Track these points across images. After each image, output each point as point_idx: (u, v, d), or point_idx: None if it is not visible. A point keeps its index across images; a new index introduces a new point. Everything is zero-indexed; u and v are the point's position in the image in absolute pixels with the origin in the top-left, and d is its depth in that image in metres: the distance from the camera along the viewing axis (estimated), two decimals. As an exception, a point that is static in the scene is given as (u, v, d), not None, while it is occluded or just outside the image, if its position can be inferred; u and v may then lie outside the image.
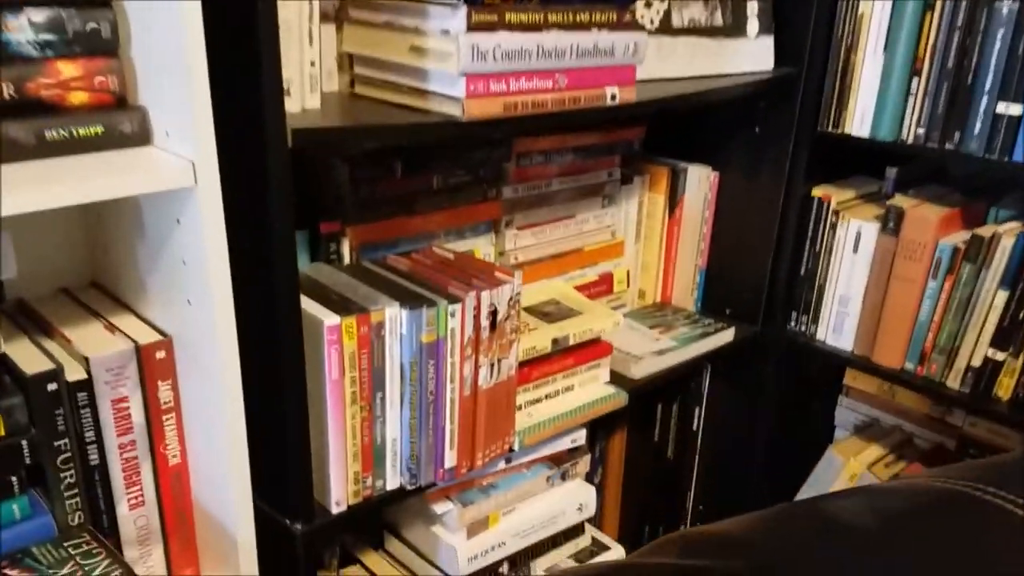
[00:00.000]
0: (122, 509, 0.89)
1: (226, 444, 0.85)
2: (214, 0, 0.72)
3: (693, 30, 1.22)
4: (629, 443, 1.49)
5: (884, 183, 1.43)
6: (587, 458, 1.23)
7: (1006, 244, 1.20)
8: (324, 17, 0.93)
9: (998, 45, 1.15)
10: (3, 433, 0.80)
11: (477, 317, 0.96)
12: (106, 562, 0.82)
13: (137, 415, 0.88)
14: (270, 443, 0.90)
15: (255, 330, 0.86)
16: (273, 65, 0.75)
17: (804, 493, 1.52)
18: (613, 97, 1.01)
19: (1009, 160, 1.17)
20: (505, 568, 1.15)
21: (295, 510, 0.91)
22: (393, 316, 0.92)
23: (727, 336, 1.39)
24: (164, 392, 0.89)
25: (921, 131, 1.24)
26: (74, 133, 0.75)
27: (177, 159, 0.76)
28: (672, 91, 1.12)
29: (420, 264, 1.05)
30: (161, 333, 0.89)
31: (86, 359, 0.84)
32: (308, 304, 0.90)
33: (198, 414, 0.88)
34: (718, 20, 1.25)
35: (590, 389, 1.19)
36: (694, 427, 1.51)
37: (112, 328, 0.90)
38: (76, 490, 0.86)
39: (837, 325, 1.39)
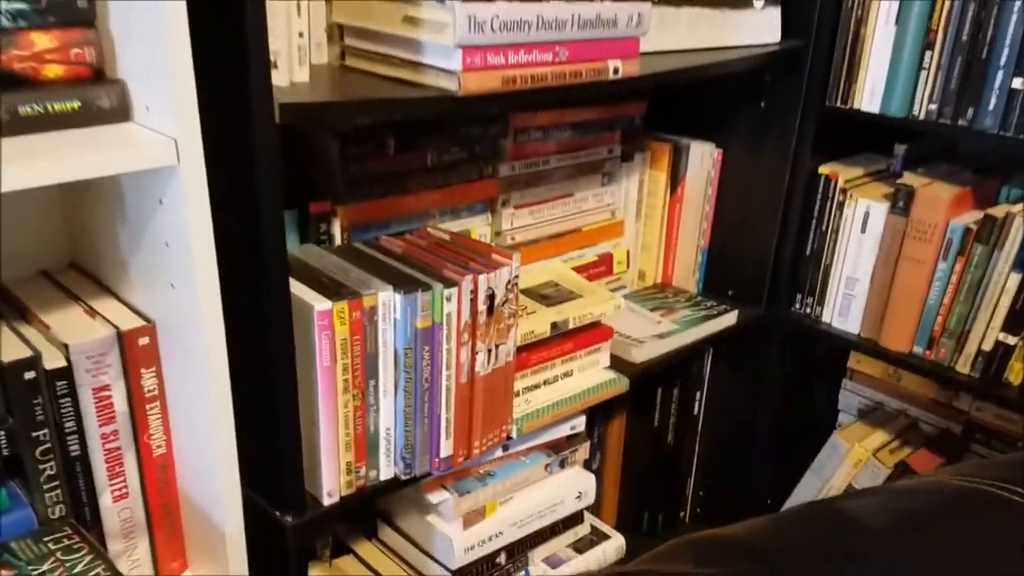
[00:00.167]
0: (105, 501, 0.86)
1: (213, 434, 0.82)
2: (195, -33, 0.68)
3: (697, 0, 1.18)
4: (628, 428, 1.46)
5: (892, 161, 1.40)
6: (586, 445, 1.20)
7: (1019, 224, 1.16)
8: (313, -15, 0.88)
9: (1014, 17, 1.11)
10: (-22, 424, 0.77)
11: (474, 301, 0.93)
12: (88, 558, 0.79)
13: (120, 404, 0.84)
14: (259, 433, 0.87)
15: (242, 315, 0.83)
16: (259, 36, 0.72)
17: (808, 480, 1.50)
18: (616, 71, 0.96)
19: (1025, 137, 1.13)
20: (503, 558, 1.13)
21: (286, 502, 0.88)
22: (387, 301, 0.88)
23: (730, 319, 1.36)
24: (148, 380, 0.85)
25: (933, 107, 1.20)
26: (49, 108, 0.71)
27: (158, 136, 0.73)
28: (674, 64, 1.08)
29: (414, 245, 1.01)
30: (144, 318, 0.85)
31: (65, 346, 0.80)
32: (298, 288, 0.87)
33: (184, 403, 0.85)
34: (723, -10, 1.21)
35: (590, 374, 1.16)
36: (695, 412, 1.48)
37: (93, 313, 0.86)
38: (57, 482, 0.83)
39: (843, 308, 1.36)
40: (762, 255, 1.39)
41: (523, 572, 1.16)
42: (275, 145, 0.75)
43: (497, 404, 1.00)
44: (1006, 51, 1.12)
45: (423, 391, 0.92)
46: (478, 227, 1.17)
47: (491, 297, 0.94)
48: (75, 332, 0.81)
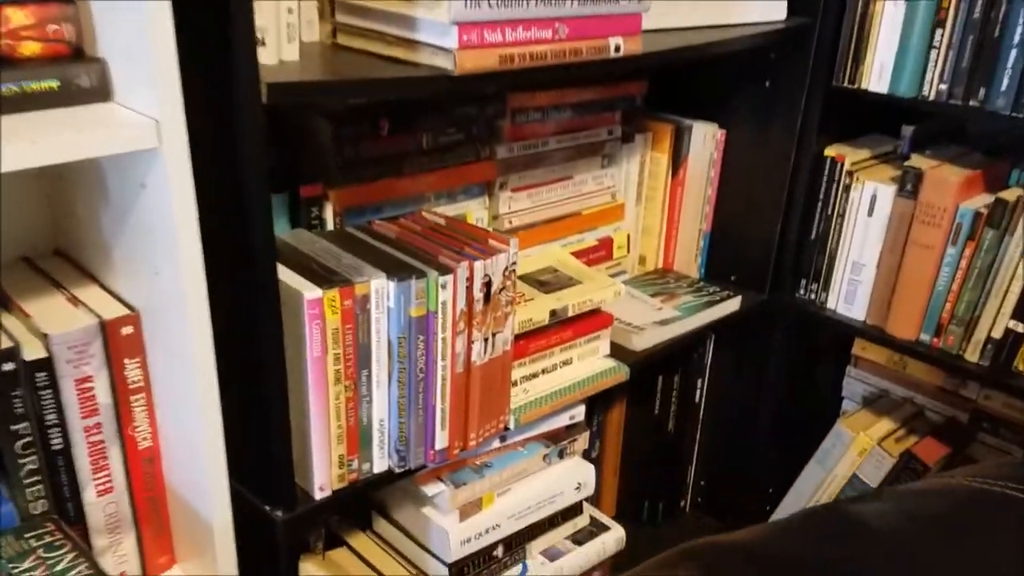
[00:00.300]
0: (89, 496, 0.84)
1: (199, 427, 0.79)
2: (177, -61, 0.64)
3: (700, -25, 1.15)
4: (628, 416, 1.43)
5: (900, 142, 1.36)
6: (586, 435, 1.17)
7: (1032, 208, 1.13)
8: (302, -41, 0.85)
9: (1029, -6, 1.07)
10: (-47, 418, 0.74)
11: (470, 289, 0.89)
12: (71, 555, 0.77)
13: (103, 396, 0.82)
14: (248, 425, 0.84)
15: (230, 304, 0.80)
16: (245, 12, 0.68)
17: (811, 469, 1.47)
18: (617, 48, 0.93)
19: (1038, 119, 1.10)
20: (500, 551, 1.10)
21: (275, 496, 0.86)
22: (380, 288, 0.85)
23: (733, 305, 1.33)
24: (132, 371, 0.82)
25: (944, 87, 1.17)
26: (25, 88, 0.68)
27: (139, 117, 0.70)
28: (677, 42, 1.05)
29: (409, 230, 0.98)
30: (128, 307, 0.82)
31: (46, 336, 0.77)
32: (287, 275, 0.83)
33: (170, 394, 0.82)
34: (728, -35, 1.17)
35: (589, 363, 1.13)
36: (696, 400, 1.46)
37: (75, 301, 0.83)
38: (39, 477, 0.80)
39: (849, 294, 1.33)
40: (766, 239, 1.36)
41: (521, 565, 1.14)
42: (262, 126, 0.72)
43: (494, 394, 0.97)
44: (1019, 29, 1.09)
45: (417, 382, 0.89)
46: (475, 211, 1.14)
47: (488, 284, 0.91)
48: (56, 321, 0.78)
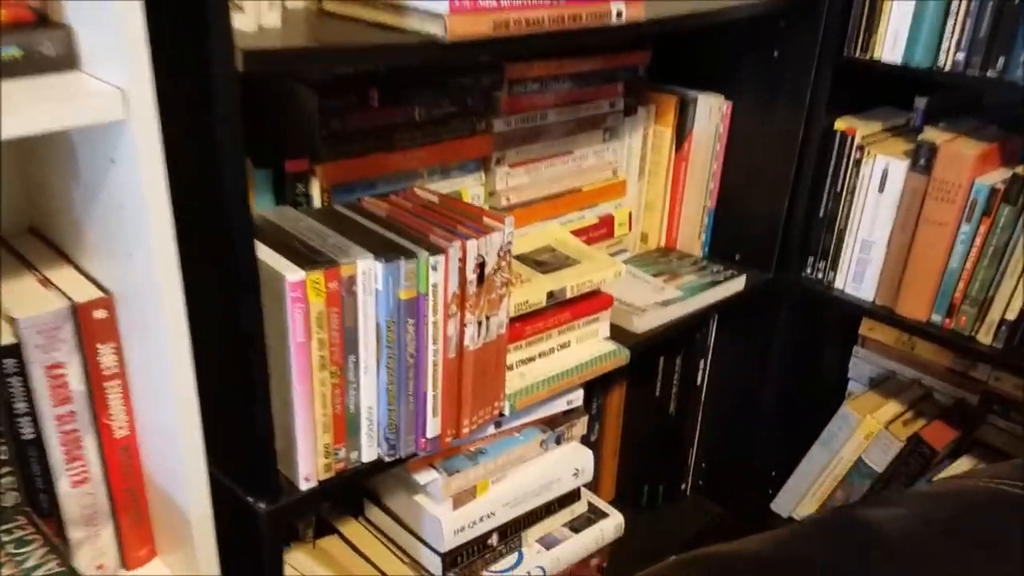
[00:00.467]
0: (63, 487, 0.80)
1: (175, 415, 0.75)
2: None
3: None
4: (628, 399, 1.39)
5: (912, 115, 1.31)
6: (584, 420, 1.13)
7: (1051, 185, 1.08)
8: (282, -83, 0.79)
9: (1053, -42, 1.02)
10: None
11: (463, 270, 0.85)
12: (42, 551, 0.74)
13: (76, 383, 0.78)
14: (229, 414, 0.80)
15: (207, 286, 0.75)
16: (217, -27, 0.63)
17: (816, 452, 1.44)
18: (619, 14, 0.88)
19: (1060, 91, 1.05)
20: (495, 539, 1.07)
21: (258, 487, 0.82)
22: (367, 270, 0.80)
23: (737, 284, 1.28)
24: (106, 356, 0.78)
25: (960, 57, 1.11)
26: (-15, 56, 0.64)
27: (105, 87, 0.65)
28: (682, 9, 1.00)
29: (399, 208, 0.93)
30: (102, 289, 0.78)
31: (14, 320, 0.73)
32: (269, 255, 0.79)
33: (146, 381, 0.78)
34: (736, -72, 1.11)
35: (588, 345, 1.09)
36: (698, 382, 1.42)
37: (47, 283, 0.79)
38: (10, 468, 0.77)
39: (858, 273, 1.28)
40: (772, 216, 1.31)
41: (516, 553, 1.11)
42: (237, 97, 0.67)
43: (488, 380, 0.93)
44: (1042, -4, 1.04)
45: (407, 367, 0.85)
46: (470, 187, 1.09)
47: (481, 265, 0.86)
48: (26, 304, 0.74)
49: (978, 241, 1.16)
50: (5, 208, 0.87)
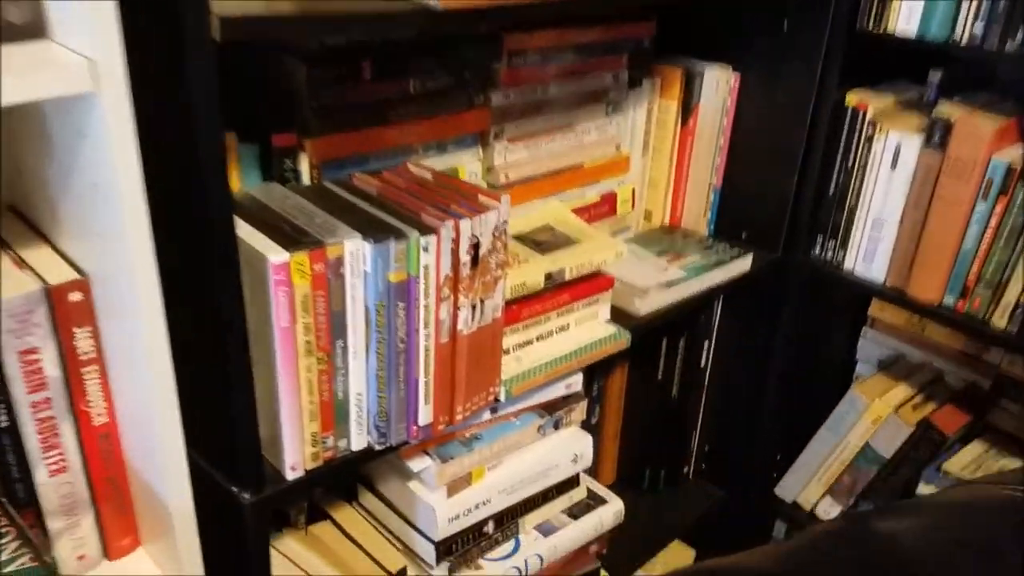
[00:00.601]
0: (40, 476, 0.77)
1: (153, 402, 0.72)
2: None
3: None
4: (630, 381, 1.36)
5: (926, 89, 1.26)
6: (583, 404, 1.09)
7: (1072, 163, 1.04)
8: None
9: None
10: None
11: (456, 251, 0.81)
12: (14, 544, 0.71)
13: (51, 368, 0.74)
14: (211, 400, 0.77)
15: (184, 267, 0.72)
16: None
17: (823, 435, 1.40)
18: (622, -17, 0.83)
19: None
20: (490, 527, 1.04)
21: (242, 477, 0.79)
22: (354, 251, 0.77)
23: (744, 264, 1.24)
24: (82, 341, 0.75)
25: (978, 29, 1.07)
26: (-52, 24, 0.60)
27: (73, 57, 0.61)
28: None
29: (391, 186, 0.89)
30: (78, 271, 0.74)
31: (-17, 302, 0.69)
32: (251, 235, 0.75)
33: (123, 367, 0.75)
34: None
35: (588, 328, 1.05)
36: (702, 364, 1.38)
37: (21, 264, 0.76)
38: (-17, 456, 0.73)
39: (868, 252, 1.24)
40: (781, 194, 1.27)
41: (513, 541, 1.08)
42: (213, 67, 0.63)
43: (483, 365, 0.90)
44: (1067, -36, 0.99)
45: (398, 353, 0.81)
46: (468, 163, 1.05)
47: (476, 246, 0.83)
48: (-2, 286, 0.71)
49: (994, 221, 1.12)
50: (-18, 185, 0.84)
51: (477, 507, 1.00)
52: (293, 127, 0.88)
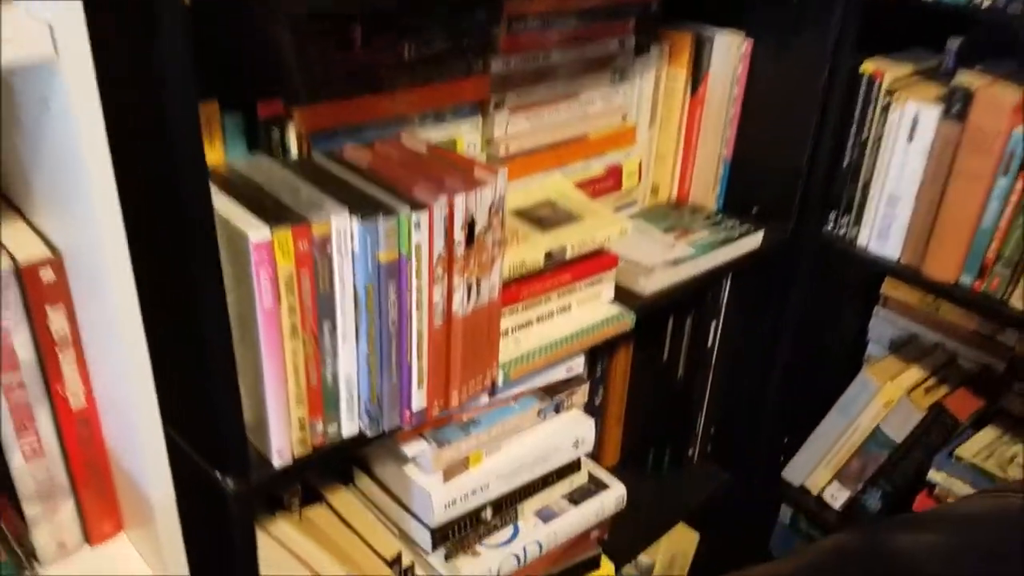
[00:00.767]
0: (16, 461, 0.74)
1: (129, 385, 0.68)
2: None
3: None
4: (634, 361, 1.32)
5: (944, 56, 1.21)
6: (585, 387, 1.06)
7: (1100, 136, 0.99)
8: None
9: None
10: None
11: (449, 229, 0.77)
12: (-17, 534, 0.67)
13: (24, 351, 0.71)
14: (192, 384, 0.73)
15: (162, 246, 0.68)
16: None
17: (832, 418, 1.37)
18: (628, -58, 0.78)
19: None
20: (488, 513, 1.00)
21: (227, 464, 0.75)
22: (342, 228, 0.72)
23: (754, 241, 1.20)
24: (56, 321, 0.71)
25: (1003, -10, 1.01)
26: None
27: (31, 22, 0.56)
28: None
29: (383, 158, 0.85)
30: (52, 248, 0.71)
31: (-49, 282, 0.66)
32: (232, 211, 0.71)
33: (99, 349, 0.71)
34: None
35: (590, 309, 1.01)
36: (709, 344, 1.34)
37: (-5, 242, 0.71)
38: (-46, 440, 0.70)
39: (883, 229, 1.20)
40: (792, 167, 1.22)
41: (512, 527, 1.05)
42: (185, 32, 0.59)
43: (479, 348, 0.86)
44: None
45: (390, 336, 0.78)
46: (466, 134, 1.01)
47: (471, 224, 0.78)
48: (-34, 265, 0.67)
49: (1015, 197, 1.07)
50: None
51: (474, 492, 0.97)
52: (278, 94, 0.84)
